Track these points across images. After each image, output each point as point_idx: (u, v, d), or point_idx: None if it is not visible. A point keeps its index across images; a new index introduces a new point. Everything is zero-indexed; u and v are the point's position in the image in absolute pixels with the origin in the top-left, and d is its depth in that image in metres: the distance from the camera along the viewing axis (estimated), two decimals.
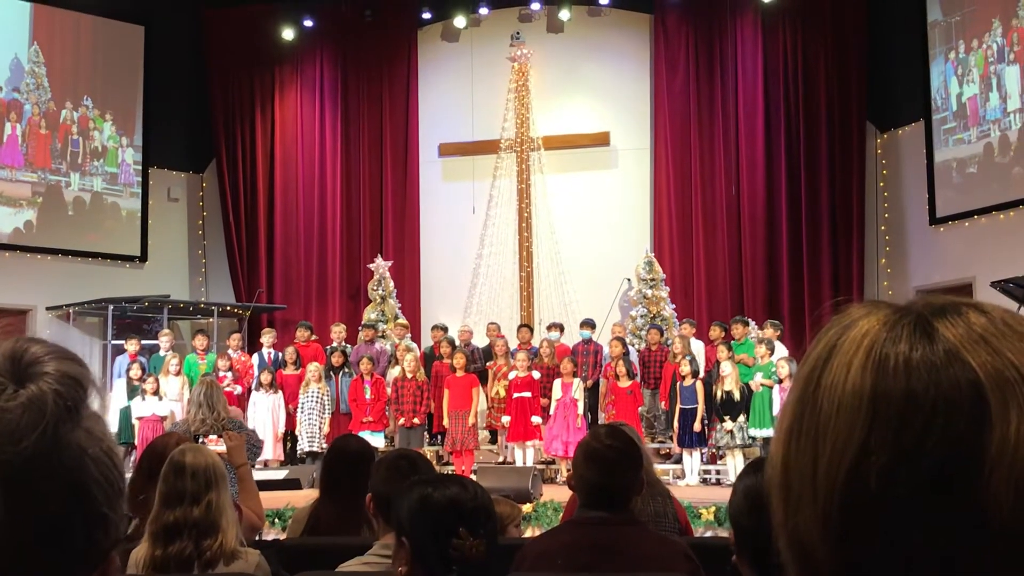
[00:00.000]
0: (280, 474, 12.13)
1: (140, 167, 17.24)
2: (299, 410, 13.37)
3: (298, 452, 13.59)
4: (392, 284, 16.55)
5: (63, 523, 0.86)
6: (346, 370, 13.91)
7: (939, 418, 0.75)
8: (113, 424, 13.51)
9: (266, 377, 13.59)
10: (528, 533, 9.00)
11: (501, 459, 13.46)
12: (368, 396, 13.25)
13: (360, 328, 15.31)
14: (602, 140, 16.81)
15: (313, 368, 13.48)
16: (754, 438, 12.10)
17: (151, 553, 3.45)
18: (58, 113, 16.36)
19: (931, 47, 14.86)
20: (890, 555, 0.76)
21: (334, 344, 14.55)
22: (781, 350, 12.86)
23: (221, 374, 13.37)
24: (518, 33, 17.11)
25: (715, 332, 13.70)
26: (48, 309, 15.85)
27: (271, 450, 13.18)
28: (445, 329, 14.92)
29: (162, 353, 14.06)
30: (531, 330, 14.72)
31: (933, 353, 0.77)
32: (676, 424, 12.48)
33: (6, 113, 15.77)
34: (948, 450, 0.74)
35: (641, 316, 15.43)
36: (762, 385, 12.21)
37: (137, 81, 17.26)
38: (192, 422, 6.70)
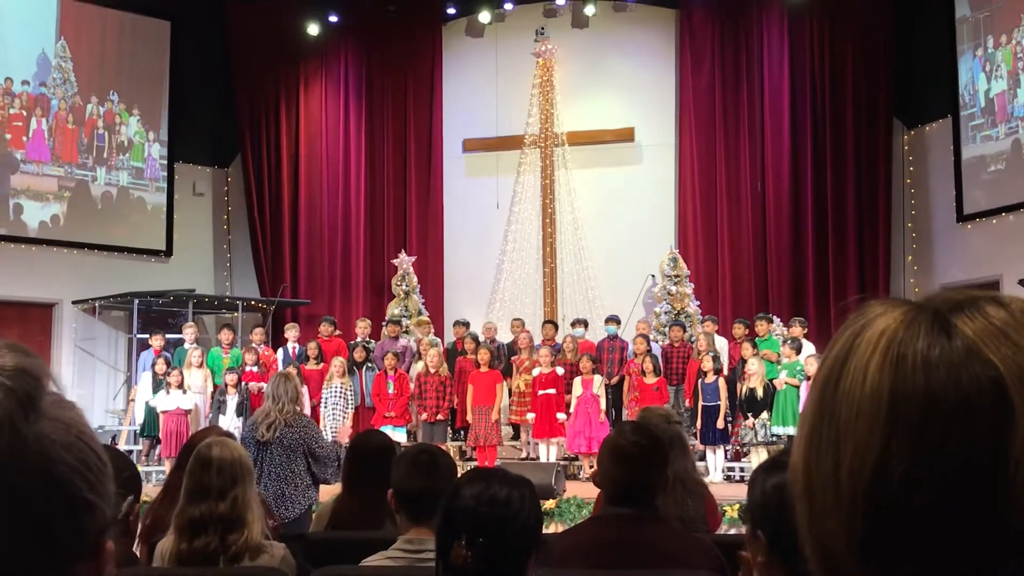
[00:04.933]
0: None
1: (166, 162, 17.32)
2: (322, 405, 13.31)
3: None
4: (416, 279, 16.59)
5: (45, 517, 0.83)
6: (369, 365, 13.88)
7: (960, 418, 0.73)
8: (139, 418, 13.59)
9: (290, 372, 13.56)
10: (552, 529, 9.02)
11: (524, 455, 13.44)
12: (391, 391, 13.24)
13: (384, 324, 15.31)
14: (627, 136, 16.76)
15: (336, 363, 13.41)
16: (778, 435, 12.05)
17: (176, 547, 3.47)
18: (84, 108, 16.45)
19: (959, 43, 14.73)
20: (917, 559, 0.75)
21: (358, 339, 14.57)
22: (808, 348, 12.78)
23: (248, 368, 13.41)
24: (543, 28, 17.07)
25: (738, 330, 13.60)
26: (74, 303, 15.94)
27: None
28: (467, 325, 14.90)
29: (186, 346, 14.12)
30: (555, 326, 14.68)
31: (952, 350, 0.76)
32: (699, 421, 12.44)
33: (33, 108, 15.87)
34: (971, 450, 0.73)
35: (665, 312, 15.37)
36: (786, 383, 12.14)
37: (163, 76, 17.34)
38: (260, 414, 6.79)
